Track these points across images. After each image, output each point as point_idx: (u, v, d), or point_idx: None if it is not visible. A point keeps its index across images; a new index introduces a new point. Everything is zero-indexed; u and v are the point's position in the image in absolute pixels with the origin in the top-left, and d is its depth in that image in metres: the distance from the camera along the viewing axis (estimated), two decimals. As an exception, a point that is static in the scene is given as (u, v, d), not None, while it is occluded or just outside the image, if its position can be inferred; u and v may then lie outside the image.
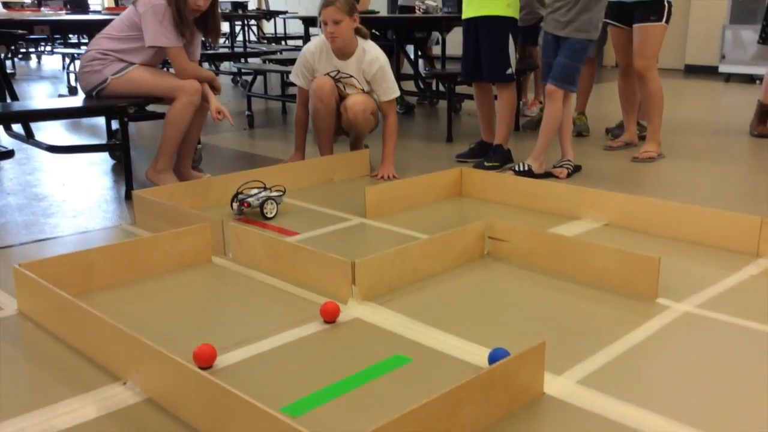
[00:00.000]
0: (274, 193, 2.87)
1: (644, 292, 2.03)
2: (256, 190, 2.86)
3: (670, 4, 3.83)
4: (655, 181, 3.55)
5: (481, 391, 1.36)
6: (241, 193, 2.86)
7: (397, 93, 3.53)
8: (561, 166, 3.54)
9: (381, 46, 3.59)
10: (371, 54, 3.45)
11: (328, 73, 3.48)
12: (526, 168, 3.45)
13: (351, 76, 3.49)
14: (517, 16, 3.69)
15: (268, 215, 2.82)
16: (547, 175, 3.48)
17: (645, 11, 3.83)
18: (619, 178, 3.56)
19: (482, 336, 1.78)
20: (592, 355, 1.69)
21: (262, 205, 2.81)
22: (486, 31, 3.67)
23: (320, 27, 3.47)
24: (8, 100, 3.81)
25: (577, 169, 3.60)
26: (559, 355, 1.66)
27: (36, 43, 10.75)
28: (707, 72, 8.36)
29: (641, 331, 1.82)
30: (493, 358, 1.56)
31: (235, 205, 2.86)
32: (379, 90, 3.49)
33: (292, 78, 3.62)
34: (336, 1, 3.30)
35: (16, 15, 3.91)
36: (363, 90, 3.53)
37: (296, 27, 11.44)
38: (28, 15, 4.05)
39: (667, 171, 3.74)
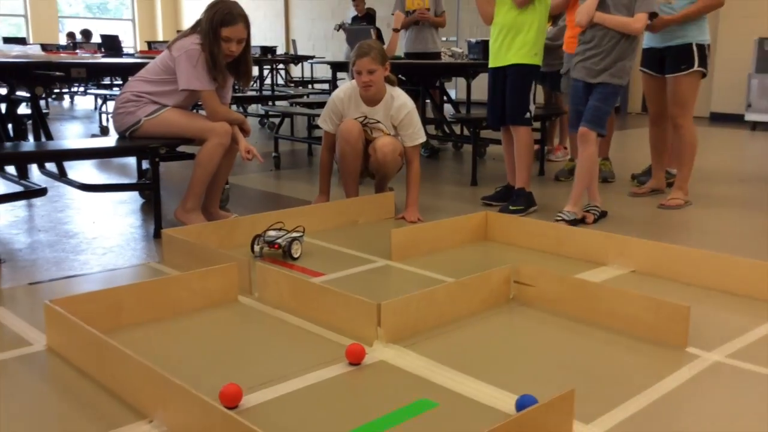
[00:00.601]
0: (296, 234, 2.89)
1: (674, 340, 2.00)
2: (274, 232, 2.88)
3: (701, 47, 3.77)
4: (682, 229, 3.52)
5: (509, 438, 1.35)
6: (265, 234, 2.87)
7: (422, 138, 3.58)
8: (588, 212, 3.53)
9: (406, 92, 3.64)
10: (399, 100, 3.51)
11: (355, 118, 3.55)
12: (573, 216, 3.42)
13: (378, 122, 3.54)
14: (540, 63, 3.77)
15: (295, 255, 2.83)
16: (582, 220, 3.48)
17: (675, 59, 3.82)
18: (646, 224, 3.54)
19: (509, 382, 1.77)
20: (621, 403, 1.66)
21: (289, 246, 2.83)
22: (513, 77, 3.73)
23: (351, 75, 3.54)
24: (43, 139, 3.91)
25: (603, 214, 3.58)
26: (588, 403, 1.64)
27: (69, 83, 11.04)
28: (733, 120, 8.33)
29: (671, 380, 1.79)
30: (521, 405, 1.55)
31: (257, 247, 2.86)
32: (405, 135, 3.54)
33: (320, 122, 3.68)
34: (371, 51, 3.39)
35: (54, 57, 4.03)
36: (389, 134, 3.58)
37: (322, 71, 11.65)
38: (65, 57, 4.18)
39: (695, 218, 3.71)
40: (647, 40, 3.95)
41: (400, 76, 5.63)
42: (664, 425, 1.58)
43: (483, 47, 5.29)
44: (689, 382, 1.79)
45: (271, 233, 2.87)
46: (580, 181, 3.50)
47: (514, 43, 3.67)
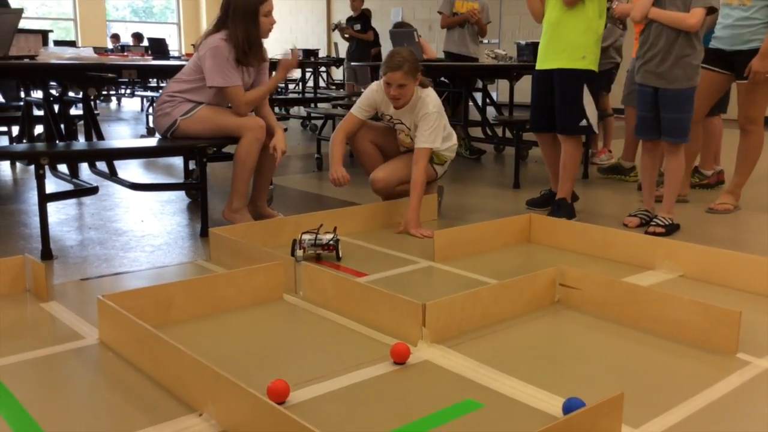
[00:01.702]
0: (337, 235, 2.89)
1: (724, 346, 1.96)
2: (309, 236, 2.86)
3: None
4: (732, 233, 3.45)
5: (557, 440, 1.34)
6: (302, 238, 2.86)
7: (432, 145, 3.34)
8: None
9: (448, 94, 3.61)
10: (423, 101, 3.40)
11: (384, 113, 3.55)
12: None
13: (401, 122, 3.53)
14: (594, 67, 3.55)
15: (340, 255, 2.86)
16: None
17: (747, 64, 3.59)
18: (694, 229, 3.47)
19: (555, 384, 1.75)
20: (670, 408, 1.64)
21: (336, 246, 2.85)
22: (560, 84, 3.57)
23: (381, 81, 3.42)
24: (94, 139, 4.01)
25: (651, 219, 3.52)
26: (636, 408, 1.62)
27: (117, 85, 11.29)
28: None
29: (721, 386, 1.76)
30: (568, 408, 1.54)
31: (299, 252, 2.82)
32: (418, 134, 3.37)
33: (353, 108, 3.58)
34: (404, 65, 3.26)
35: (105, 60, 4.14)
36: (411, 138, 3.51)
37: (364, 73, 11.68)
38: (116, 60, 4.28)
39: (744, 223, 3.63)
40: (714, 42, 3.75)
41: (442, 78, 5.64)
42: (714, 431, 1.56)
43: (533, 49, 5.24)
44: (739, 389, 1.76)
45: (310, 236, 2.87)
46: (671, 190, 3.40)
47: (559, 45, 3.52)
